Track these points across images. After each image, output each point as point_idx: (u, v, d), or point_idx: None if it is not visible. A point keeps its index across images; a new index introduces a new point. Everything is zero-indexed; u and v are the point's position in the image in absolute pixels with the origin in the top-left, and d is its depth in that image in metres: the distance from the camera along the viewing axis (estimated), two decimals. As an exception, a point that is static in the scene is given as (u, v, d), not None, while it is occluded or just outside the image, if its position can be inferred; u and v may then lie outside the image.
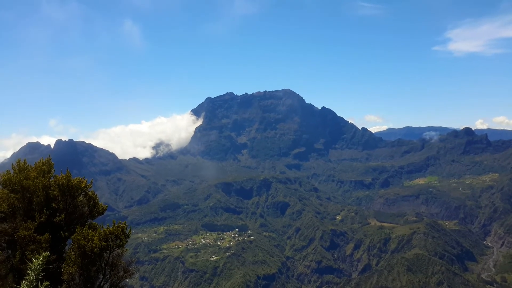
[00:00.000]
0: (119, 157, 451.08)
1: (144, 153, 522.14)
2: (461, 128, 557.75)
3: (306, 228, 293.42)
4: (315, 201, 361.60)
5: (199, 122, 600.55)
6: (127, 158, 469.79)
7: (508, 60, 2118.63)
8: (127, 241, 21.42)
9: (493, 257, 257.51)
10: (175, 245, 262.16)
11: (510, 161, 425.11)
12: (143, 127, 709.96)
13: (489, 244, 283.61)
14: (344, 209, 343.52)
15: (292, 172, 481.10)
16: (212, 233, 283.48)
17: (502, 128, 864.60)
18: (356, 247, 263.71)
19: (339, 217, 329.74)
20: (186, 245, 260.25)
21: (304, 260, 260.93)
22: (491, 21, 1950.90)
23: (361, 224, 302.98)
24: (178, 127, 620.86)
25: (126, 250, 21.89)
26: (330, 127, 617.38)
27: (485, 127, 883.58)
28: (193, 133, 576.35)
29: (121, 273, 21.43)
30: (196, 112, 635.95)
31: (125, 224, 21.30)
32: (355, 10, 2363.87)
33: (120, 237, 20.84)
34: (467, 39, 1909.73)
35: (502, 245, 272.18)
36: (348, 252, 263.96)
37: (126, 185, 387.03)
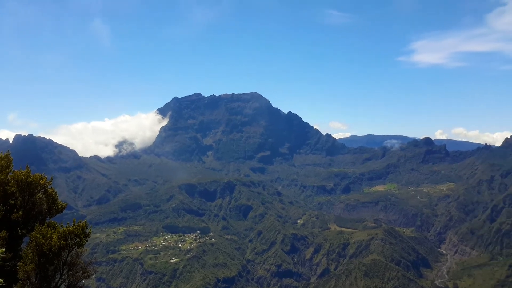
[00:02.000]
0: (80, 155, 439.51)
1: (106, 151, 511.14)
2: (421, 137, 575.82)
3: (267, 231, 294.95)
4: (278, 205, 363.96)
5: (165, 122, 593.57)
6: (88, 156, 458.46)
7: (469, 73, 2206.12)
8: (87, 241, 21.32)
9: (446, 264, 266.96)
10: (135, 246, 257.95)
11: (466, 171, 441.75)
12: (106, 125, 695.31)
13: (444, 252, 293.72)
14: (305, 214, 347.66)
15: (257, 176, 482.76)
16: (173, 234, 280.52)
17: (460, 139, 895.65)
18: (316, 251, 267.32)
19: (300, 221, 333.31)
20: (146, 246, 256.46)
21: (264, 263, 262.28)
22: (454, 35, 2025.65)
23: (322, 228, 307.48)
24: (142, 126, 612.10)
25: (86, 250, 21.75)
26: (295, 132, 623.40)
27: (444, 137, 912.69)
28: (158, 132, 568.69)
29: (80, 273, 21.26)
30: (162, 111, 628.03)
31: (85, 223, 21.20)
32: (323, 17, 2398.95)
33: (80, 236, 20.73)
34: (430, 51, 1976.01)
35: (455, 252, 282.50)
36: (308, 256, 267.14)
37: (86, 183, 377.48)
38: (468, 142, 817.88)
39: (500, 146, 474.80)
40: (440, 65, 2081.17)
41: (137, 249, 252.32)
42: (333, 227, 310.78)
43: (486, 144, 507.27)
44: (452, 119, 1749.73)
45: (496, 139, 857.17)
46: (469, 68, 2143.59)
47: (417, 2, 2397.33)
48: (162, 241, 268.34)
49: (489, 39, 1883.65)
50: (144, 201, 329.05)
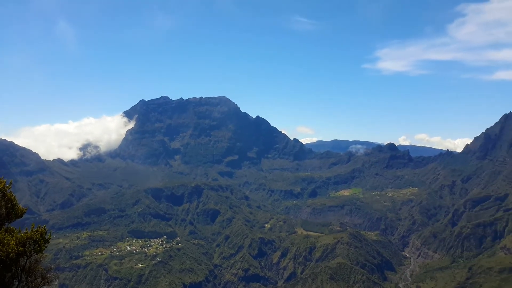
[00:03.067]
0: (43, 158, 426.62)
1: (70, 154, 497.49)
2: (385, 143, 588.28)
3: (235, 236, 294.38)
4: (246, 209, 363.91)
5: (131, 125, 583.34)
6: (51, 159, 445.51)
7: (431, 81, 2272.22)
8: (46, 246, 20.88)
9: (410, 267, 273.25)
10: (99, 251, 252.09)
11: (429, 176, 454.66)
12: (70, 127, 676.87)
13: (407, 255, 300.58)
14: (273, 218, 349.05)
15: (225, 180, 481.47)
16: (139, 240, 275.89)
17: (422, 145, 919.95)
18: (283, 255, 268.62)
19: (268, 226, 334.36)
20: (111, 252, 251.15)
21: (231, 268, 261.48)
22: (417, 44, 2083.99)
23: (289, 232, 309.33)
24: (108, 128, 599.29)
25: (45, 255, 21.29)
26: (263, 137, 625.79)
27: (407, 143, 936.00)
28: (124, 135, 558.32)
29: (39, 280, 20.84)
30: (128, 114, 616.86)
31: (44, 229, 20.79)
32: (290, 24, 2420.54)
33: (38, 242, 20.31)
34: (394, 59, 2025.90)
35: (418, 256, 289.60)
36: (275, 260, 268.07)
37: (48, 187, 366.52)
38: (431, 148, 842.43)
39: (461, 152, 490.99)
40: (403, 72, 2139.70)
41: (102, 254, 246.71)
42: (300, 231, 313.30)
43: (447, 150, 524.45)
44: (415, 125, 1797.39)
45: (457, 145, 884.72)
46: (431, 76, 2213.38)
47: (381, 11, 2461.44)
48: (127, 246, 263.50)
49: (450, 49, 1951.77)
50: (109, 206, 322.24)
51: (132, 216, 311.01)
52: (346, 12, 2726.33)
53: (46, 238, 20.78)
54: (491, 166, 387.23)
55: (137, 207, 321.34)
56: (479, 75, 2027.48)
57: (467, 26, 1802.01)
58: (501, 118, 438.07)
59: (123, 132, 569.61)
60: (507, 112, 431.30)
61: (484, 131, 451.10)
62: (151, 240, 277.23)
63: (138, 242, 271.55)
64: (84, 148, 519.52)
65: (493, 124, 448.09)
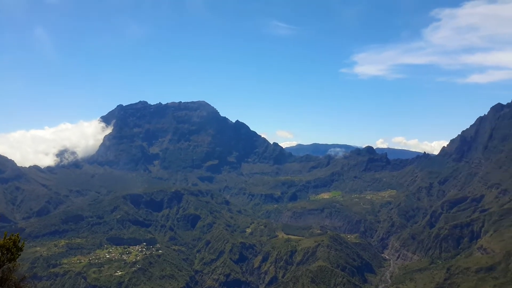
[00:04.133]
0: (19, 164, 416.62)
1: (47, 160, 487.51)
2: (364, 146, 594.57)
3: (216, 241, 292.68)
4: (226, 214, 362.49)
5: (109, 130, 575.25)
6: (27, 166, 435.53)
7: (408, 85, 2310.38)
8: (19, 255, 20.00)
9: (389, 269, 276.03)
10: (77, 259, 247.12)
11: (406, 179, 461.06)
12: (46, 133, 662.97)
13: (387, 257, 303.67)
14: (254, 222, 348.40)
15: (205, 185, 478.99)
16: (118, 247, 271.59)
17: (400, 148, 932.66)
18: (264, 259, 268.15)
19: (248, 230, 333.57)
20: (89, 259, 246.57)
21: (212, 273, 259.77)
22: (393, 48, 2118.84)
23: (270, 236, 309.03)
24: (85, 134, 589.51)
25: (18, 264, 20.39)
26: (243, 141, 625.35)
27: (385, 146, 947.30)
28: (101, 141, 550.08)
29: (12, 289, 19.94)
30: (105, 119, 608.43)
31: (17, 237, 19.92)
32: (269, 29, 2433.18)
33: (11, 250, 19.43)
34: (371, 63, 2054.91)
35: (398, 257, 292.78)
36: (256, 265, 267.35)
37: (25, 194, 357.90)
38: (408, 151, 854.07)
39: (437, 155, 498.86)
40: (380, 76, 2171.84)
41: (80, 262, 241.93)
42: (281, 235, 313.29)
43: (424, 152, 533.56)
44: (393, 129, 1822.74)
45: (434, 147, 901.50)
46: (407, 80, 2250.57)
47: (358, 16, 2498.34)
48: (106, 254, 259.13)
49: (426, 53, 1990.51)
50: (87, 213, 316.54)
51: (111, 223, 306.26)
52: (323, 17, 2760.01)
53: (20, 246, 19.90)
54: (467, 168, 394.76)
55: (116, 214, 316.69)
56: (454, 79, 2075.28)
57: (442, 30, 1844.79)
58: (476, 120, 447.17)
59: (100, 137, 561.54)
60: (482, 114, 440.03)
61: (460, 133, 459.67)
62: (131, 247, 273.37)
63: (117, 249, 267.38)
64: (61, 154, 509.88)
65: (468, 127, 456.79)
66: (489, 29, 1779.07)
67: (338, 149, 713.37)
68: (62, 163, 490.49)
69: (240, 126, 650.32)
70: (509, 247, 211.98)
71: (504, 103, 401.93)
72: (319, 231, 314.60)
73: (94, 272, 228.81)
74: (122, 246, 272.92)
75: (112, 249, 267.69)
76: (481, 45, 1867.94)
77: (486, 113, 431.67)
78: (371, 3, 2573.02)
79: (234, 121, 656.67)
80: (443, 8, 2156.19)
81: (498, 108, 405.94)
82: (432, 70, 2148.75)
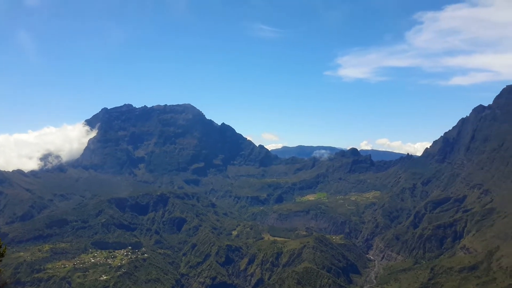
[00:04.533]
0: (2, 169, 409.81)
1: (30, 165, 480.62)
2: (348, 148, 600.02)
3: (202, 244, 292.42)
4: (212, 217, 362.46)
5: (93, 134, 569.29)
6: (11, 170, 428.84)
7: (391, 87, 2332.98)
8: (0, 260, 20.57)
9: (374, 269, 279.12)
10: (61, 264, 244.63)
11: (390, 180, 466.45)
12: (29, 137, 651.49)
13: (371, 257, 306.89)
14: (240, 225, 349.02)
15: (191, 188, 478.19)
16: (103, 251, 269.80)
17: (384, 150, 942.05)
18: (250, 261, 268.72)
19: (234, 233, 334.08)
20: (74, 264, 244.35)
21: (199, 276, 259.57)
22: (377, 51, 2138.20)
23: (256, 239, 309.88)
24: (69, 138, 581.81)
25: (1, 270, 20.94)
26: (229, 144, 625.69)
27: (369, 148, 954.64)
28: (86, 144, 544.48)
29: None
30: (90, 122, 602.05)
31: (-1, 242, 20.49)
32: (254, 32, 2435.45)
33: (-5, 256, 19.99)
34: (355, 66, 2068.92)
35: (382, 258, 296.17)
36: (242, 267, 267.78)
37: (8, 199, 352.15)
38: (391, 152, 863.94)
39: (420, 156, 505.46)
40: (364, 79, 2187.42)
41: (64, 267, 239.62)
42: (267, 237, 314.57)
43: (408, 154, 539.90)
44: (376, 130, 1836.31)
45: (417, 149, 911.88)
46: (391, 82, 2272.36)
47: (342, 19, 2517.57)
48: (91, 258, 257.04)
49: (409, 55, 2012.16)
50: (71, 217, 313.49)
51: (96, 227, 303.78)
52: (308, 21, 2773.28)
53: (1, 252, 20.40)
54: (449, 169, 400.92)
55: (101, 218, 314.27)
56: (437, 81, 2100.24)
57: (424, 33, 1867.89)
58: (458, 122, 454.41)
59: (85, 141, 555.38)
60: (464, 116, 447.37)
61: (442, 135, 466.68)
62: (116, 251, 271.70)
63: (102, 254, 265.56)
64: (44, 158, 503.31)
65: (451, 128, 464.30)
66: (470, 32, 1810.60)
67: (323, 151, 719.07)
68: (46, 167, 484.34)
69: (225, 129, 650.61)
70: (491, 247, 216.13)
71: (486, 104, 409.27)
72: (304, 233, 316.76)
73: (78, 277, 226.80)
74: (107, 250, 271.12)
75: (97, 254, 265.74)
76: (463, 48, 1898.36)
77: (468, 115, 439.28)
78: (354, 6, 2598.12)
79: (219, 124, 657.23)
80: (426, 11, 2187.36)
81: (479, 110, 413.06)
82: (415, 72, 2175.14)
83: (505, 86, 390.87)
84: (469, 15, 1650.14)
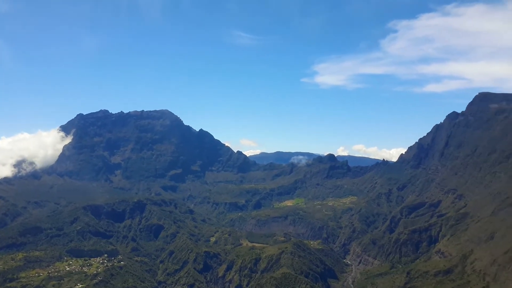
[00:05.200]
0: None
1: (4, 171, 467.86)
2: (325, 154, 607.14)
3: (179, 251, 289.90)
4: (190, 223, 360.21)
5: (68, 140, 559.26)
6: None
7: (367, 94, 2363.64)
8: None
9: (352, 274, 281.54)
10: (36, 273, 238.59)
11: (367, 185, 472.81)
12: (2, 143, 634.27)
13: (349, 262, 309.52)
14: (218, 231, 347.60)
15: (168, 194, 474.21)
16: (78, 259, 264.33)
17: (360, 156, 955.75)
18: (229, 268, 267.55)
19: (213, 239, 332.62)
20: (48, 272, 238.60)
21: (176, 284, 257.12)
22: (353, 58, 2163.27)
23: (234, 245, 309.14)
24: (43, 144, 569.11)
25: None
26: (207, 150, 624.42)
27: (345, 154, 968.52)
28: (61, 151, 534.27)
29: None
30: (65, 128, 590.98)
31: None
32: (231, 38, 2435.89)
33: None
34: (331, 73, 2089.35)
35: (359, 262, 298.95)
36: (220, 274, 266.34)
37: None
38: (368, 158, 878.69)
39: (396, 162, 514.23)
40: (340, 86, 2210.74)
41: (39, 276, 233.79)
42: (245, 243, 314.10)
43: (383, 159, 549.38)
44: (353, 137, 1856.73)
45: (393, 155, 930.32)
46: (366, 90, 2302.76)
47: (317, 27, 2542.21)
48: (66, 266, 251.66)
49: (384, 63, 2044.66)
50: (46, 225, 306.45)
51: (71, 235, 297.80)
52: (284, 28, 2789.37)
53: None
54: (424, 174, 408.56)
55: (76, 225, 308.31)
56: (411, 88, 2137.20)
57: (399, 41, 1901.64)
58: (432, 128, 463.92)
59: (60, 147, 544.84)
60: (438, 122, 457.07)
61: (417, 141, 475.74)
62: (91, 259, 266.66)
63: (77, 262, 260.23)
64: (18, 164, 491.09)
65: (425, 135, 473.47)
66: (444, 40, 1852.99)
67: (301, 157, 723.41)
68: (20, 174, 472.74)
69: (204, 135, 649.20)
70: (465, 250, 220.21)
71: (459, 111, 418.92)
72: (283, 239, 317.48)
73: (53, 286, 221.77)
74: (83, 258, 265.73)
75: (72, 262, 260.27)
76: (437, 56, 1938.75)
77: (442, 121, 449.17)
78: (330, 15, 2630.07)
79: (197, 130, 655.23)
80: (400, 19, 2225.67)
81: (453, 116, 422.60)
82: (390, 80, 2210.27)
83: (477, 93, 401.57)
84: (442, 24, 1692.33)
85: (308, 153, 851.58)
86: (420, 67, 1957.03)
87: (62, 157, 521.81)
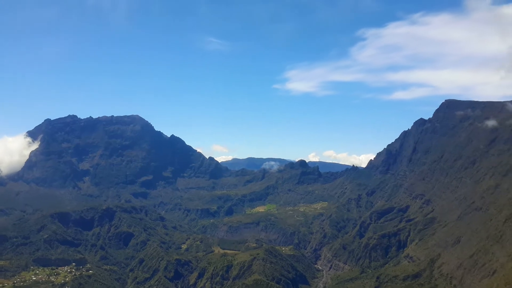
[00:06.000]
0: None
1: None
2: (297, 160, 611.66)
3: (150, 259, 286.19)
4: (161, 231, 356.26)
5: (36, 146, 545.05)
6: None
7: (337, 101, 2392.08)
8: None
9: (323, 279, 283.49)
10: (0, 283, 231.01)
11: (337, 191, 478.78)
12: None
13: (320, 268, 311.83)
14: (189, 238, 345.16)
15: (138, 201, 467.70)
16: (45, 268, 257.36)
17: (330, 161, 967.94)
18: (200, 275, 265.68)
19: (184, 246, 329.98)
20: (14, 282, 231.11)
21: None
22: (323, 66, 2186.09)
23: (206, 252, 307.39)
24: (9, 150, 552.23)
25: None
26: (178, 156, 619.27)
27: (316, 159, 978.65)
28: (27, 157, 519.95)
29: None
30: (32, 134, 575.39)
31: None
32: (203, 44, 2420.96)
33: None
34: (302, 80, 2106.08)
35: (330, 268, 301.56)
36: (192, 281, 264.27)
37: None
38: (338, 164, 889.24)
39: (365, 167, 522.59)
40: (311, 93, 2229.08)
41: (3, 286, 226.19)
42: (217, 250, 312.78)
43: (353, 165, 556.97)
44: (323, 143, 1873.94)
45: (362, 160, 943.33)
46: (336, 96, 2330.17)
47: (288, 34, 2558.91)
48: (33, 276, 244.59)
49: (353, 70, 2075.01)
50: (11, 233, 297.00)
51: (37, 243, 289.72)
52: (256, 34, 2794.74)
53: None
54: (393, 180, 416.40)
55: (43, 234, 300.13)
56: (379, 95, 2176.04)
57: (368, 49, 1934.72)
58: (400, 135, 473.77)
59: (26, 153, 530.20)
60: (406, 129, 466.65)
61: (385, 147, 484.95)
62: (59, 268, 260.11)
63: (44, 271, 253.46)
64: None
65: (393, 141, 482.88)
66: (411, 48, 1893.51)
67: (272, 163, 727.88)
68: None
69: (175, 141, 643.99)
70: (432, 255, 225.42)
71: (426, 118, 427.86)
72: (254, 245, 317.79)
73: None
74: (50, 267, 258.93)
75: (39, 271, 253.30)
76: (404, 64, 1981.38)
77: (409, 128, 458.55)
78: (300, 22, 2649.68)
79: (169, 135, 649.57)
80: (369, 28, 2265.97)
81: (420, 123, 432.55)
82: (359, 87, 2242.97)
83: (443, 101, 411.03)
84: (409, 32, 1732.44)
85: (280, 159, 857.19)
86: (388, 75, 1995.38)
87: (29, 163, 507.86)
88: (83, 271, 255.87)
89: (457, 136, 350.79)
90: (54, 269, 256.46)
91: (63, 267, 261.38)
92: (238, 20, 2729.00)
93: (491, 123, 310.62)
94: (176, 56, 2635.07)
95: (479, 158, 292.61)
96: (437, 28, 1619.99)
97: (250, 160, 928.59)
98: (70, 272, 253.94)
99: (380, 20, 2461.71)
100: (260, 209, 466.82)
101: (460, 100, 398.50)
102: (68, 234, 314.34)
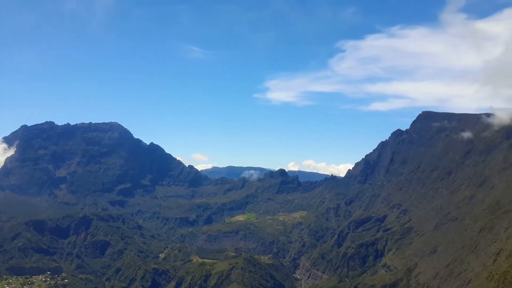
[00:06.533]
0: None
1: None
2: (276, 169, 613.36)
3: (127, 268, 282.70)
4: (139, 239, 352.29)
5: (11, 152, 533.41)
6: None
7: (316, 111, 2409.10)
8: None
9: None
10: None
11: (316, 200, 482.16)
12: None
13: (298, 277, 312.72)
14: (167, 247, 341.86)
15: (116, 209, 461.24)
16: (19, 277, 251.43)
17: (310, 171, 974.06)
18: (178, 285, 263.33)
19: (162, 255, 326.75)
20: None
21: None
22: (303, 76, 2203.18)
23: (184, 261, 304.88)
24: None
25: None
26: (157, 164, 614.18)
27: (296, 169, 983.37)
28: (3, 163, 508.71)
29: None
30: (8, 140, 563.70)
31: None
32: (184, 52, 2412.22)
33: None
34: (282, 90, 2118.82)
35: (308, 277, 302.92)
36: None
37: None
38: (317, 173, 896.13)
39: (344, 177, 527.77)
40: (291, 103, 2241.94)
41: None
42: (195, 259, 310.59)
43: (332, 175, 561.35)
44: (303, 152, 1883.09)
45: (341, 170, 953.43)
46: (316, 107, 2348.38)
47: (268, 44, 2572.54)
48: (6, 285, 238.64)
49: (332, 81, 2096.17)
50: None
51: (11, 252, 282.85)
52: (237, 44, 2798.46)
53: None
54: (370, 189, 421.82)
55: (17, 242, 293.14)
56: (358, 106, 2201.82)
57: (347, 61, 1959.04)
58: (378, 145, 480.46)
59: (1, 160, 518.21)
60: (384, 140, 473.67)
61: (363, 157, 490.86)
62: (33, 277, 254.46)
63: (18, 280, 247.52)
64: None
65: (371, 151, 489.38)
66: (389, 60, 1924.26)
67: (252, 172, 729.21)
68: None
69: (154, 149, 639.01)
70: (409, 264, 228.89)
71: (403, 129, 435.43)
72: (233, 254, 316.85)
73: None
74: (24, 276, 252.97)
75: (13, 280, 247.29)
76: (382, 75, 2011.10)
77: (387, 138, 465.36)
78: (280, 33, 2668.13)
79: (148, 143, 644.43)
80: (348, 40, 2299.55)
81: (398, 134, 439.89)
82: (338, 98, 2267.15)
83: (420, 112, 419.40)
84: (387, 44, 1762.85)
85: (260, 167, 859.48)
86: (366, 86, 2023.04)
87: (4, 170, 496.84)
88: (58, 280, 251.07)
89: (433, 147, 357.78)
90: (28, 278, 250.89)
91: (37, 276, 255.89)
92: (219, 29, 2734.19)
93: (466, 134, 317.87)
94: (156, 64, 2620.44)
95: (455, 169, 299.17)
96: (415, 41, 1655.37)
97: (230, 169, 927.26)
98: (45, 281, 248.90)
99: (359, 32, 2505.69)
100: (240, 218, 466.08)
101: (437, 112, 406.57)
102: (43, 242, 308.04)
